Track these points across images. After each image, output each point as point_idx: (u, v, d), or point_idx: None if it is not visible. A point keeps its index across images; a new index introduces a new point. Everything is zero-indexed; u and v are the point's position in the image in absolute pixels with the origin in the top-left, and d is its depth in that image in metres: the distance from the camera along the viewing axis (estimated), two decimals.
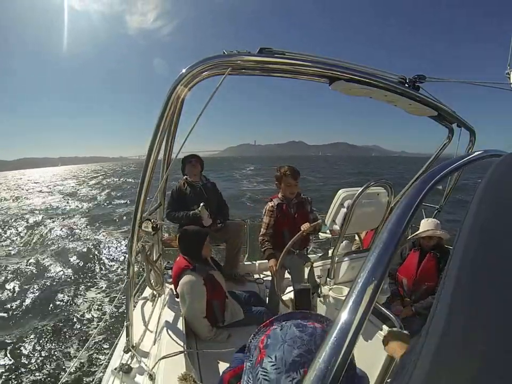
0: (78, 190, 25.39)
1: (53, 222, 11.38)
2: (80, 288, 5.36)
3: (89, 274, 5.98)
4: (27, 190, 29.03)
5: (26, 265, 6.51)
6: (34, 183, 41.89)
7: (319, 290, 1.85)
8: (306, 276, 2.02)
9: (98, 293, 5.20)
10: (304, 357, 0.53)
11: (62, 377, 1.47)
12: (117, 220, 11.13)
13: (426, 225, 2.34)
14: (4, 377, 3.26)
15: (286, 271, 2.56)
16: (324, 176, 31.86)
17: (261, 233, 2.42)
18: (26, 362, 3.49)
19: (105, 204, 16.29)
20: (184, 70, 1.27)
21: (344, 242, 1.97)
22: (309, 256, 2.70)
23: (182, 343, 1.71)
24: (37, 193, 24.61)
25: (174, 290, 2.13)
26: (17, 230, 10.25)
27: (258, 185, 24.02)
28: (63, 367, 3.39)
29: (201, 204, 2.73)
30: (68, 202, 17.31)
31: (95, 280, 5.70)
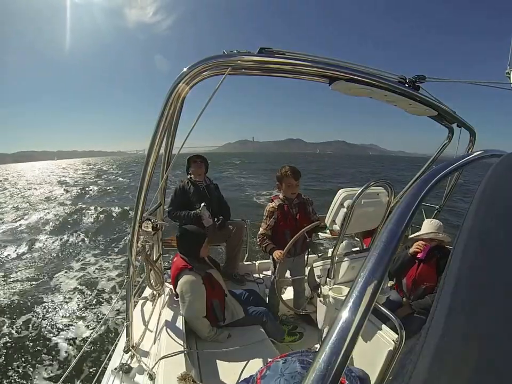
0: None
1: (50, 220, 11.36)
2: (80, 288, 5.36)
3: (89, 274, 5.98)
4: None
5: (24, 262, 6.52)
6: None
7: (319, 290, 1.85)
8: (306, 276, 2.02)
9: (99, 292, 5.20)
10: None
11: (62, 377, 1.47)
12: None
13: (428, 227, 2.27)
14: (2, 376, 3.27)
15: (287, 271, 2.56)
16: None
17: (260, 232, 2.38)
18: (26, 362, 3.49)
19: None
20: (185, 69, 1.27)
21: (344, 242, 1.96)
22: (309, 256, 2.70)
23: (182, 343, 1.71)
24: None
25: (174, 290, 2.14)
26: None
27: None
28: (63, 366, 3.39)
29: (202, 204, 2.75)
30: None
31: (95, 279, 5.70)
